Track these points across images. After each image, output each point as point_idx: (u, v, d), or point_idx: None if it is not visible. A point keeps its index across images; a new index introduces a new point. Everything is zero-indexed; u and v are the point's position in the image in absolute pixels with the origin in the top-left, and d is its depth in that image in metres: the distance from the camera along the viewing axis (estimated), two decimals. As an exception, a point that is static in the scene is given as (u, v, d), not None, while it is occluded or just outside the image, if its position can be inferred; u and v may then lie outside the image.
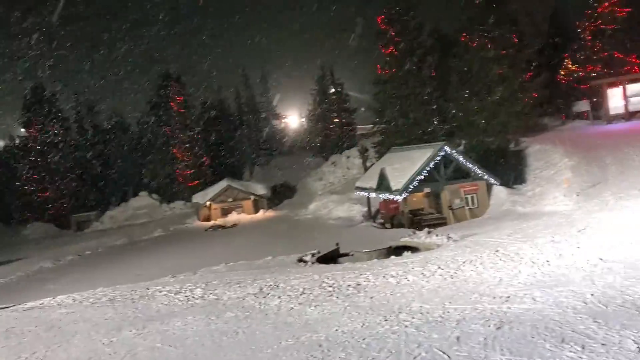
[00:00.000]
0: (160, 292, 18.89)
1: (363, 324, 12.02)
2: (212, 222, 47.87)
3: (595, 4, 45.70)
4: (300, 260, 23.82)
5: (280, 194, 56.83)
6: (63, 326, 15.40)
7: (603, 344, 9.14)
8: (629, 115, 41.68)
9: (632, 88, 41.43)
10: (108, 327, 14.60)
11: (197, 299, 17.16)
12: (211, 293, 17.68)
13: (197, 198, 52.00)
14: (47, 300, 19.85)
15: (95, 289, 20.98)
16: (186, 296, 17.67)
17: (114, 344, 12.95)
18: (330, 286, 16.50)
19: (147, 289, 19.86)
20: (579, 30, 48.49)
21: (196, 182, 60.43)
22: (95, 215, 60.61)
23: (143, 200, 63.11)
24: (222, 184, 52.24)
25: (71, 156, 65.20)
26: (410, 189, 31.40)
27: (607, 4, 44.83)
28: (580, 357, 8.82)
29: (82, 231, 56.98)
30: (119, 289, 20.54)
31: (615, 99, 42.50)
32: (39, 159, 61.47)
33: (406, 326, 11.45)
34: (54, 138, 63.24)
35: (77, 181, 64.26)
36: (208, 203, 50.54)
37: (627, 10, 43.96)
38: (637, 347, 8.87)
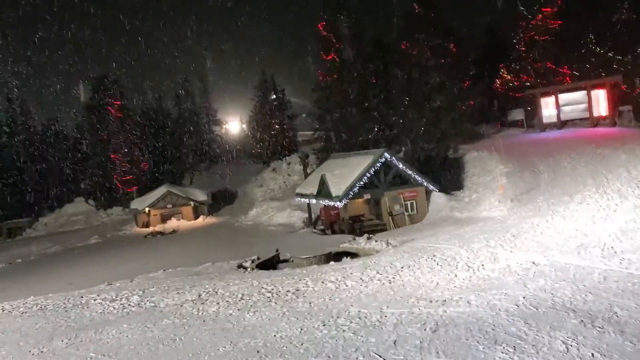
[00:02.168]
0: (95, 300, 18.41)
1: (301, 329, 12.01)
2: (151, 229, 46.96)
3: (530, 17, 47.13)
4: (240, 266, 23.65)
5: (220, 200, 56.32)
6: (-9, 337, 14.84)
7: (533, 345, 9.41)
8: (561, 124, 43.13)
9: (564, 97, 42.88)
10: (38, 337, 14.14)
11: (133, 306, 16.80)
12: (148, 300, 17.34)
13: (136, 204, 50.92)
14: (-26, 311, 19.06)
15: (26, 298, 20.27)
16: (122, 304, 17.28)
17: (44, 355, 12.56)
18: (269, 292, 16.43)
19: (81, 297, 19.33)
20: (514, 41, 49.98)
21: (135, 187, 59.22)
22: (27, 222, 58.63)
23: (79, 207, 61.48)
24: (162, 189, 51.32)
25: (2, 161, 62.91)
26: (350, 196, 31.54)
27: (540, 16, 46.31)
28: (512, 358, 9.05)
29: (14, 239, 54.99)
30: (51, 298, 19.92)
31: (548, 108, 43.93)
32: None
33: (344, 331, 11.51)
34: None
35: (8, 187, 62.02)
36: (147, 209, 49.56)
37: (559, 22, 45.49)
38: (566, 347, 9.16)
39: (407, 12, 44.50)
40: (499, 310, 11.65)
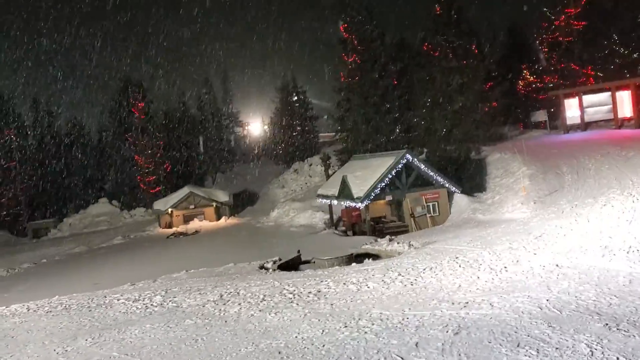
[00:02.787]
0: (118, 300, 18.60)
1: (323, 331, 12.02)
2: (173, 230, 47.31)
3: (553, 17, 46.66)
4: (262, 267, 23.75)
5: (242, 201, 56.57)
6: (16, 335, 15.08)
7: (557, 348, 9.32)
8: (585, 126, 42.64)
9: (588, 99, 42.36)
10: (63, 336, 14.32)
11: (155, 306, 16.94)
12: (170, 300, 17.48)
13: (159, 205, 51.34)
14: (0, 309, 19.37)
15: (51, 298, 20.56)
16: (145, 304, 17.43)
17: (68, 353, 12.70)
18: (290, 293, 16.47)
19: (105, 297, 19.55)
20: (537, 42, 49.52)
21: (158, 188, 59.70)
22: (52, 222, 59.41)
23: (103, 207, 62.15)
24: (184, 190, 51.71)
25: (28, 162, 63.90)
26: (372, 197, 31.52)
27: (563, 17, 45.82)
28: (535, 361, 8.97)
29: (39, 239, 55.78)
30: (75, 298, 20.17)
31: (572, 109, 43.44)
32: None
33: (366, 332, 11.49)
34: (11, 143, 61.85)
35: (35, 188, 62.97)
36: (170, 210, 49.96)
37: (583, 23, 44.99)
38: (590, 351, 9.06)
39: (429, 14, 44.34)
40: (522, 312, 11.56)
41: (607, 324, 10.20)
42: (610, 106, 41.03)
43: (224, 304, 15.98)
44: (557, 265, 15.45)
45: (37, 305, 19.43)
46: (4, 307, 19.57)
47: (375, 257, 23.66)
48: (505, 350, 9.48)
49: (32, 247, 47.81)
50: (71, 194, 67.29)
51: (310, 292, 16.26)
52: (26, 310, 18.82)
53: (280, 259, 24.92)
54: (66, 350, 12.93)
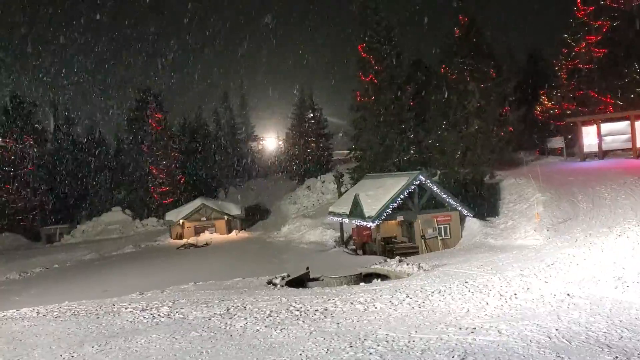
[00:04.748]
0: (126, 308, 18.60)
1: (328, 350, 11.91)
2: (184, 241, 47.47)
3: (573, 44, 46.56)
4: (270, 282, 23.70)
5: (254, 215, 56.65)
6: (24, 339, 15.09)
7: (564, 379, 9.18)
8: (603, 154, 42.33)
9: (606, 127, 42.09)
10: (70, 342, 14.32)
11: (162, 317, 16.91)
12: (177, 312, 17.44)
13: (171, 216, 51.58)
14: (10, 312, 19.46)
15: (61, 303, 20.62)
16: (152, 314, 17.40)
17: (74, 359, 12.70)
18: (297, 310, 16.37)
19: (113, 305, 19.56)
20: (556, 68, 49.42)
21: (171, 199, 60.02)
22: (66, 228, 59.83)
23: (116, 216, 62.51)
24: (197, 202, 51.95)
25: (45, 168, 64.52)
26: (383, 217, 31.43)
27: (584, 44, 45.71)
28: (541, 392, 8.83)
29: (52, 244, 56.16)
30: (84, 304, 20.22)
31: (589, 137, 43.16)
32: (12, 169, 60.55)
33: (371, 353, 11.38)
34: (29, 149, 62.50)
35: (50, 194, 63.52)
36: (181, 221, 50.16)
37: (603, 51, 44.86)
38: (598, 384, 8.91)
39: (448, 35, 44.43)
40: (530, 341, 11.40)
41: (617, 357, 10.04)
42: (629, 135, 40.73)
43: (230, 318, 15.93)
44: (568, 295, 15.26)
45: (46, 309, 19.49)
46: (15, 311, 19.67)
47: (384, 277, 23.54)
48: (512, 379, 9.36)
49: (44, 252, 48.11)
50: (85, 201, 67.80)
51: (317, 310, 16.17)
52: (36, 314, 18.87)
53: (288, 275, 24.86)
54: (72, 356, 12.93)
